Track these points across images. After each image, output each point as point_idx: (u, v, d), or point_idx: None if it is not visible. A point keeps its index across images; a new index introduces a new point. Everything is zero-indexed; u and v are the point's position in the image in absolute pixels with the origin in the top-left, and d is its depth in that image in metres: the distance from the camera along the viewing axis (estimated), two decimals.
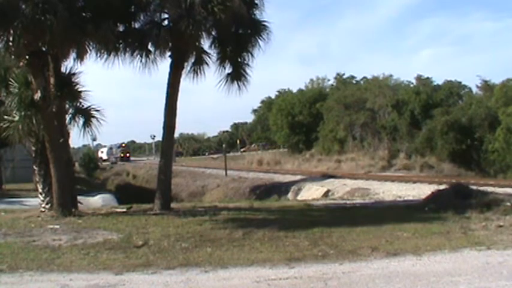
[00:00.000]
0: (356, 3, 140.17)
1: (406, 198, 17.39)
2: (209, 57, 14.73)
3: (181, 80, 14.50)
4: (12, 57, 12.41)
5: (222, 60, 14.68)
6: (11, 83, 13.28)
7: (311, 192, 23.64)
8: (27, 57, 12.19)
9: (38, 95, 12.59)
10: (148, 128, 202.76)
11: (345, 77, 52.93)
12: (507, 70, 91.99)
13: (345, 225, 10.60)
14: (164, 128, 14.52)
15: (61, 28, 10.95)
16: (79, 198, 15.06)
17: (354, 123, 38.83)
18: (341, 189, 22.53)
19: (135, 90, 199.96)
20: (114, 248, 8.86)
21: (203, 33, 13.44)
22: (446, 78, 38.84)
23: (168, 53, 14.11)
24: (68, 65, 13.27)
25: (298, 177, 29.93)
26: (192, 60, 14.69)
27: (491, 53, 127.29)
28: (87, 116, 13.75)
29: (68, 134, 14.30)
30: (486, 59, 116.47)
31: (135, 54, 13.85)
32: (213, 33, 14.11)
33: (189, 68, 14.66)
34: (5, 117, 13.01)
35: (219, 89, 14.79)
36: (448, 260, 7.65)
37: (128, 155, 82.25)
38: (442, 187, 16.28)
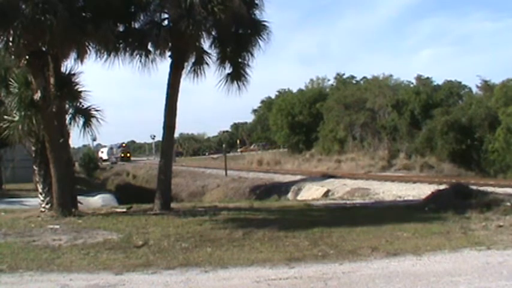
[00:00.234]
0: (356, 3, 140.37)
1: (406, 198, 17.39)
2: (209, 57, 14.75)
3: (181, 80, 14.51)
4: (12, 57, 12.39)
5: (222, 60, 14.67)
6: (11, 83, 13.28)
7: (311, 192, 23.64)
8: (27, 57, 12.18)
9: (38, 95, 12.59)
10: (148, 128, 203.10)
11: (345, 77, 52.99)
12: (507, 70, 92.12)
13: (345, 225, 10.61)
14: (164, 128, 14.52)
15: (61, 28, 10.95)
16: (79, 198, 15.06)
17: (354, 123, 38.84)
18: (341, 189, 22.53)
19: (135, 90, 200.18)
20: (114, 248, 8.86)
21: (203, 33, 13.44)
22: (446, 78, 38.92)
23: (168, 53, 14.12)
24: (68, 65, 13.30)
25: (298, 177, 29.93)
26: (192, 60, 14.69)
27: (491, 53, 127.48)
28: (87, 116, 13.76)
29: (68, 134, 14.30)
30: (486, 59, 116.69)
31: (135, 54, 13.86)
32: (213, 33, 14.11)
33: (189, 68, 14.67)
34: (5, 117, 13.00)
35: (219, 89, 14.82)
36: (448, 260, 7.64)
37: (128, 155, 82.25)
38: (442, 187, 16.29)
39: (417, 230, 10.05)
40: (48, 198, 13.67)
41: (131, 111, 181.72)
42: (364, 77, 49.91)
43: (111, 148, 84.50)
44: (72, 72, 13.33)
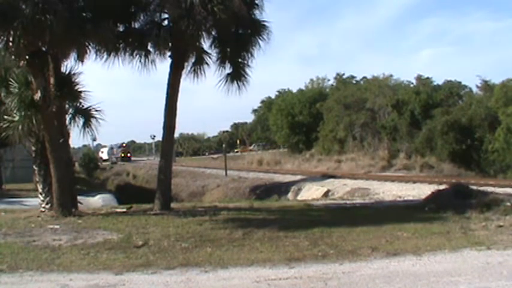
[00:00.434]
0: (356, 3, 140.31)
1: (406, 198, 17.38)
2: (209, 57, 14.76)
3: (182, 80, 14.51)
4: (12, 57, 12.38)
5: (222, 60, 14.67)
6: (11, 83, 13.28)
7: (311, 192, 23.64)
8: (27, 57, 12.18)
9: (38, 95, 12.59)
10: (148, 128, 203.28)
11: (345, 77, 52.97)
12: (507, 70, 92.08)
13: (345, 225, 10.61)
14: (164, 128, 14.52)
15: (61, 28, 10.95)
16: (79, 198, 15.06)
17: (354, 123, 38.83)
18: (341, 189, 22.53)
19: (135, 90, 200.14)
20: (114, 248, 8.86)
21: (203, 33, 13.44)
22: (446, 78, 38.85)
23: (168, 53, 14.12)
24: (68, 65, 13.31)
25: (298, 177, 29.93)
26: (192, 60, 14.69)
27: (491, 53, 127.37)
28: (87, 116, 13.76)
29: (68, 134, 14.30)
30: (486, 59, 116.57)
31: (134, 54, 13.88)
32: (213, 33, 14.11)
33: (189, 68, 14.68)
34: (5, 117, 13.00)
35: (219, 89, 14.83)
36: (448, 260, 7.65)
37: (128, 154, 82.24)
38: (442, 187, 16.28)
39: (417, 230, 10.05)
40: (48, 198, 13.67)
41: (131, 111, 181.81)
42: (364, 77, 49.99)
43: (111, 148, 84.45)
44: (72, 72, 13.36)
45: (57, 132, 13.11)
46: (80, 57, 12.64)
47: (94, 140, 45.37)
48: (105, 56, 13.40)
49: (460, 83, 37.46)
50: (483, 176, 25.21)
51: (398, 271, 7.00)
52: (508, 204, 12.29)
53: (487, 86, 32.39)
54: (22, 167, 28.92)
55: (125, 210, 14.63)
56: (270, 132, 61.66)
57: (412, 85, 39.78)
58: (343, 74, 53.39)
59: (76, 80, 13.43)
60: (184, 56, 14.28)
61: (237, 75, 14.68)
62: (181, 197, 29.82)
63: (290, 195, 25.18)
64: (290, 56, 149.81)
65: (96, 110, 13.81)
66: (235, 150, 47.54)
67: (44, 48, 12.46)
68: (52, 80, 12.84)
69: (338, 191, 22.31)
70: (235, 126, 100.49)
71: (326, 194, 22.30)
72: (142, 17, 13.72)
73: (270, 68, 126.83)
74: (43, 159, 13.69)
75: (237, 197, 25.89)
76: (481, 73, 59.92)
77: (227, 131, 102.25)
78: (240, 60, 14.61)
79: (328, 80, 55.63)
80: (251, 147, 79.84)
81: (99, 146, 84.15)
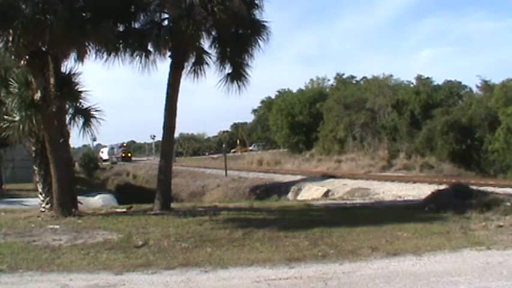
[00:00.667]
0: (356, 3, 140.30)
1: (406, 198, 17.38)
2: (209, 57, 14.76)
3: (182, 80, 14.51)
4: (12, 57, 12.39)
5: (222, 60, 14.68)
6: (11, 83, 13.28)
7: (311, 192, 23.64)
8: (27, 57, 12.18)
9: (38, 95, 12.59)
10: (148, 128, 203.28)
11: (344, 77, 53.00)
12: (507, 70, 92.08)
13: (345, 225, 10.61)
14: (164, 128, 14.52)
15: (61, 28, 10.95)
16: (79, 198, 15.06)
17: (354, 123, 38.83)
18: (341, 189, 22.53)
19: (135, 90, 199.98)
20: (114, 248, 8.86)
21: (203, 33, 13.45)
22: (446, 78, 38.84)
23: (168, 53, 14.12)
24: (68, 65, 13.31)
25: (298, 177, 29.93)
26: (192, 60, 14.69)
27: (491, 53, 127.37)
28: (87, 116, 13.77)
29: (68, 134, 14.30)
30: (486, 59, 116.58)
31: (135, 54, 13.87)
32: (213, 33, 14.11)
33: (189, 68, 14.68)
34: (5, 117, 13.00)
35: (219, 89, 14.83)
36: (448, 260, 7.65)
37: (129, 154, 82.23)
38: (442, 187, 16.28)
39: (417, 230, 10.05)
40: (48, 198, 13.67)
41: (131, 111, 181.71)
42: (364, 77, 50.01)
43: (112, 148, 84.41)
44: (72, 72, 13.36)
45: (57, 132, 13.11)
46: (80, 57, 12.64)
47: (94, 140, 45.38)
48: (105, 56, 13.42)
49: (460, 83, 37.49)
50: (483, 176, 25.21)
51: (398, 271, 7.00)
52: (508, 204, 12.29)
53: (487, 86, 32.39)
54: (22, 167, 28.93)
55: (125, 210, 14.63)
56: (270, 132, 61.64)
57: (412, 85, 39.78)
58: (343, 74, 53.50)
59: (76, 80, 13.45)
60: (184, 56, 14.28)
61: (237, 75, 14.68)
62: (181, 197, 29.82)
63: (290, 195, 25.19)
64: (290, 56, 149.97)
65: (96, 110, 13.85)
66: (232, 151, 47.11)
67: (44, 48, 12.46)
68: (52, 80, 12.84)
69: (338, 191, 22.31)
70: (235, 126, 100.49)
71: (326, 194, 22.31)
72: (142, 17, 13.73)
73: (270, 68, 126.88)
74: (43, 159, 13.69)
75: (237, 197, 25.89)
76: (481, 73, 59.98)
77: (227, 131, 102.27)
78: (240, 60, 14.61)
79: (328, 80, 55.74)
80: (251, 147, 79.82)
81: (99, 146, 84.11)
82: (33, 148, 14.37)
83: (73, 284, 6.65)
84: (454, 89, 36.24)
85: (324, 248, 8.54)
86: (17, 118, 12.75)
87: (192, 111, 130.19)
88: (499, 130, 26.36)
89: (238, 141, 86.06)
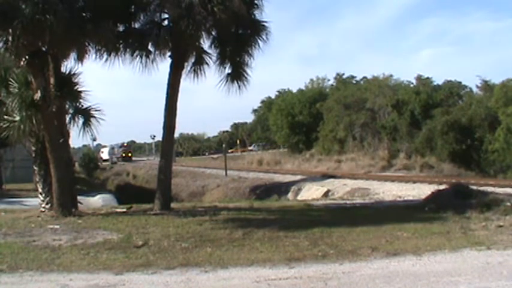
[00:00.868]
0: (356, 3, 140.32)
1: (406, 198, 17.38)
2: (209, 57, 14.76)
3: (182, 80, 14.51)
4: (12, 57, 12.38)
5: (222, 60, 14.68)
6: (11, 83, 13.29)
7: (311, 192, 23.64)
8: (27, 57, 12.18)
9: (38, 95, 12.59)
10: (148, 128, 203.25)
11: (344, 77, 53.00)
12: (507, 70, 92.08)
13: (345, 225, 10.61)
14: (164, 128, 14.52)
15: (61, 28, 10.95)
16: (79, 198, 15.05)
17: (354, 123, 38.82)
18: (341, 189, 22.52)
19: (135, 90, 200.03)
20: (114, 248, 8.86)
21: (203, 33, 13.46)
22: (446, 78, 38.85)
23: (168, 53, 14.12)
24: (68, 65, 13.32)
25: (298, 177, 29.93)
26: (192, 60, 14.69)
27: (491, 53, 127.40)
28: (86, 116, 13.77)
29: (68, 134, 14.30)
30: (486, 59, 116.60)
31: (135, 54, 13.87)
32: (213, 33, 14.12)
33: (189, 68, 14.68)
34: (5, 117, 13.00)
35: (219, 89, 14.83)
36: (448, 260, 7.65)
37: (129, 154, 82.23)
38: (442, 187, 16.28)
39: (417, 230, 10.05)
40: (48, 198, 13.67)
41: (131, 111, 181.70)
42: (364, 77, 50.01)
43: (112, 148, 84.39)
44: (72, 72, 13.37)
45: (57, 132, 13.11)
46: (80, 57, 12.65)
47: (94, 140, 45.33)
48: (105, 56, 13.41)
49: (460, 83, 37.50)
50: (483, 176, 25.21)
51: (398, 271, 7.00)
52: (508, 204, 12.29)
53: (487, 86, 32.40)
54: (22, 167, 28.94)
55: (125, 210, 14.63)
56: (270, 132, 61.62)
57: (412, 85, 39.78)
58: (343, 74, 53.50)
59: (76, 80, 13.45)
60: (184, 56, 14.28)
61: (237, 75, 14.68)
62: (181, 197, 29.82)
63: (290, 195, 25.18)
64: (290, 56, 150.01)
65: (96, 110, 13.86)
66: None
67: (44, 48, 12.46)
68: (52, 80, 12.85)
69: (338, 191, 22.31)
70: (235, 126, 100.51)
71: (326, 194, 22.30)
72: (142, 17, 13.73)
73: (270, 68, 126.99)
74: (43, 159, 13.69)
75: (237, 197, 25.88)
76: (481, 73, 60.10)
77: (227, 131, 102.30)
78: (240, 60, 14.61)
79: (328, 80, 55.73)
80: (251, 147, 79.77)
81: (99, 146, 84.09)
82: (33, 148, 14.37)
83: (73, 284, 6.65)
84: (454, 89, 36.24)
85: (324, 248, 8.54)
86: (17, 118, 12.75)
87: (192, 111, 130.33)
88: (499, 130, 26.36)
89: (238, 141, 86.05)
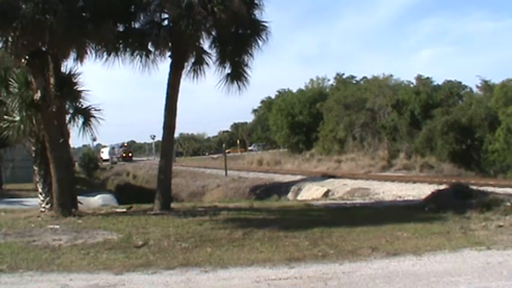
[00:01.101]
0: (356, 3, 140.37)
1: (406, 198, 17.38)
2: (209, 57, 14.76)
3: (182, 80, 14.51)
4: (12, 57, 12.39)
5: (221, 60, 14.68)
6: (11, 83, 13.29)
7: (311, 192, 23.64)
8: (27, 57, 12.18)
9: (38, 95, 12.59)
10: (148, 128, 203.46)
11: (344, 77, 53.03)
12: (507, 70, 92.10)
13: (345, 225, 10.60)
14: (164, 128, 14.52)
15: (61, 28, 10.95)
16: (79, 198, 15.06)
17: (354, 123, 38.83)
18: (341, 189, 22.52)
19: (135, 90, 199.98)
20: (114, 248, 8.86)
21: (203, 33, 13.45)
22: (446, 78, 38.89)
23: (168, 53, 14.11)
24: (68, 65, 13.31)
25: (298, 177, 29.93)
26: (192, 60, 14.69)
27: (491, 53, 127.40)
28: (86, 116, 13.78)
29: (68, 134, 14.30)
30: (486, 59, 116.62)
31: (135, 54, 13.86)
32: (213, 33, 14.12)
33: (189, 68, 14.68)
34: (5, 117, 13.00)
35: (219, 89, 14.83)
36: (448, 260, 7.65)
37: (130, 154, 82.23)
38: (442, 187, 16.28)
39: (417, 230, 10.05)
40: (48, 198, 13.67)
41: (131, 111, 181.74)
42: (364, 77, 50.04)
43: (112, 148, 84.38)
44: (72, 72, 13.37)
45: (57, 132, 13.11)
46: (80, 57, 12.65)
47: (94, 140, 45.44)
48: (105, 56, 13.41)
49: (460, 83, 37.53)
50: (483, 176, 25.21)
51: (398, 271, 7.00)
52: (508, 204, 12.30)
53: (487, 86, 32.42)
54: (22, 167, 28.94)
55: (124, 210, 14.63)
56: (270, 132, 61.63)
57: (412, 85, 39.80)
58: (343, 74, 53.53)
59: (76, 80, 13.45)
60: (184, 56, 14.28)
61: (237, 75, 14.68)
62: (181, 197, 29.82)
63: (290, 195, 25.18)
64: (290, 56, 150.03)
65: (96, 110, 13.86)
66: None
67: (44, 48, 12.46)
68: (52, 80, 12.84)
69: (338, 191, 22.31)
70: (235, 126, 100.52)
71: (326, 194, 22.30)
72: (142, 17, 13.73)
73: (270, 68, 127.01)
74: (43, 159, 13.69)
75: (237, 197, 25.88)
76: (481, 73, 60.20)
77: (227, 131, 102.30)
78: (239, 60, 14.61)
79: (328, 80, 55.76)
80: (251, 147, 79.71)
81: (99, 146, 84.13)
82: (33, 148, 14.36)
83: (73, 284, 6.65)
84: (454, 89, 36.26)
85: (324, 248, 8.54)
86: (17, 118, 12.76)
87: (192, 111, 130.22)
88: (499, 130, 26.37)
89: (238, 141, 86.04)
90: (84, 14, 12.30)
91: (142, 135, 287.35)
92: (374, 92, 38.92)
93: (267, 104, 66.88)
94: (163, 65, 14.37)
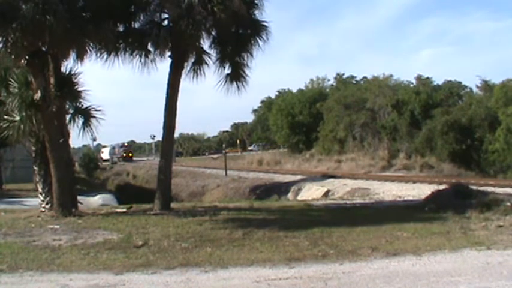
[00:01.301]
0: (356, 3, 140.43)
1: (406, 198, 17.38)
2: (209, 57, 14.76)
3: (181, 80, 14.51)
4: (12, 57, 12.38)
5: (221, 60, 14.68)
6: (11, 83, 13.29)
7: (311, 192, 23.64)
8: (27, 57, 12.18)
9: (38, 95, 12.59)
10: (148, 128, 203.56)
11: (344, 77, 53.10)
12: (507, 70, 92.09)
13: (345, 225, 10.60)
14: (164, 128, 14.52)
15: (61, 28, 10.95)
16: (79, 198, 15.06)
17: (354, 123, 38.84)
18: (341, 189, 22.52)
19: (135, 90, 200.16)
20: (114, 248, 8.86)
21: (203, 33, 13.44)
22: (446, 78, 38.93)
23: (168, 53, 14.11)
24: (68, 65, 13.31)
25: (298, 177, 29.93)
26: (192, 60, 14.69)
27: (491, 53, 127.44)
28: (86, 116, 13.77)
29: (68, 134, 14.29)
30: (486, 59, 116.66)
31: (135, 54, 13.87)
32: (213, 33, 14.11)
33: (189, 68, 14.68)
34: (5, 117, 13.00)
35: (218, 89, 14.84)
36: (448, 260, 7.65)
37: (130, 154, 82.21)
38: (442, 187, 16.28)
39: (417, 230, 10.05)
40: (48, 198, 13.66)
41: (131, 111, 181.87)
42: (364, 77, 50.10)
43: (113, 148, 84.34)
44: (72, 72, 13.36)
45: (57, 132, 13.11)
46: (80, 57, 12.64)
47: (94, 140, 45.44)
48: (105, 56, 13.41)
49: (460, 83, 37.57)
50: (483, 176, 25.22)
51: (398, 271, 7.00)
52: (508, 204, 12.30)
53: (487, 86, 32.44)
54: (22, 167, 28.95)
55: (124, 210, 14.62)
56: (270, 132, 61.64)
57: (412, 85, 39.83)
58: (343, 74, 53.60)
59: (76, 80, 13.44)
60: (184, 56, 14.28)
61: (237, 76, 14.68)
62: (181, 197, 29.82)
63: (290, 195, 25.18)
64: (290, 56, 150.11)
65: (96, 110, 13.85)
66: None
67: (44, 48, 12.46)
68: (52, 80, 12.84)
69: (338, 191, 22.31)
70: (235, 126, 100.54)
71: (326, 194, 22.30)
72: (142, 17, 13.72)
73: (270, 68, 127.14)
74: (43, 159, 13.69)
75: (237, 197, 25.89)
76: (481, 73, 60.24)
77: (227, 131, 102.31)
78: (239, 60, 14.61)
79: (328, 80, 55.83)
80: (251, 147, 79.67)
81: (100, 146, 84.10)
82: (33, 148, 14.36)
83: (73, 284, 6.65)
84: (454, 89, 36.28)
85: (324, 248, 8.54)
86: (17, 118, 12.76)
87: (192, 111, 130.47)
88: (499, 130, 26.37)
89: (238, 141, 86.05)
90: (84, 14, 12.30)
91: (142, 135, 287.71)
92: (374, 92, 38.93)
93: (267, 104, 66.91)
94: (163, 65, 14.41)
